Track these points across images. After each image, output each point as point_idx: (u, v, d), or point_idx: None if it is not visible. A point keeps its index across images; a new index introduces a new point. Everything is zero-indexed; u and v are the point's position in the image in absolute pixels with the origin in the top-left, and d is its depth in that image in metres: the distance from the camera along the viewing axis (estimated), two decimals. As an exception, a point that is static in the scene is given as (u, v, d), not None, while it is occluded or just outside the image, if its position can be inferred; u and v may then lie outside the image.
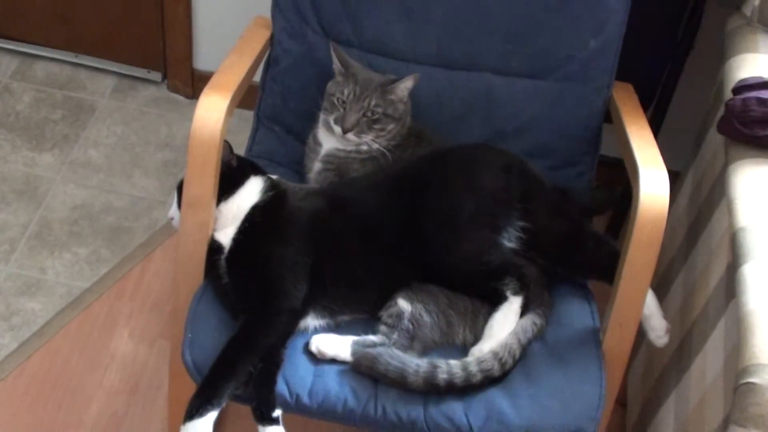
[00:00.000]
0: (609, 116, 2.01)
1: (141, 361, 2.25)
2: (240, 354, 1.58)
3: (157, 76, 3.00)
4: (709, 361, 1.62)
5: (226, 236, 1.71)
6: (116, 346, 2.28)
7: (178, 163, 2.75)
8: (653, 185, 1.64)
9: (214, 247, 1.70)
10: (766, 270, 1.45)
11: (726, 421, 1.37)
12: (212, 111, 1.67)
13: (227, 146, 1.71)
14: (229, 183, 1.72)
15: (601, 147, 2.07)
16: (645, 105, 2.03)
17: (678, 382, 1.78)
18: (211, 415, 1.53)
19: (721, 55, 1.98)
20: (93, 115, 2.88)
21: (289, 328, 1.64)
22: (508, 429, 1.56)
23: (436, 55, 2.02)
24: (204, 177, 1.65)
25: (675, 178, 2.04)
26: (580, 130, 2.03)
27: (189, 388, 1.58)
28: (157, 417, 2.14)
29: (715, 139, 1.91)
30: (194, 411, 1.52)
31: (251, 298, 1.65)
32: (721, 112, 1.80)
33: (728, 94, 1.80)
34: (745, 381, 1.31)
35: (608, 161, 2.15)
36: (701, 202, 1.93)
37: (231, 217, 1.72)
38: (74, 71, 3.01)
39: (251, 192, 1.75)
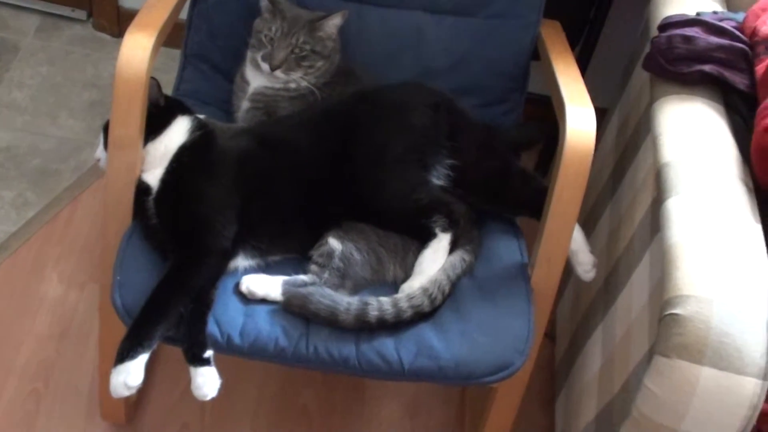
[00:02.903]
0: (537, 54, 2.02)
1: (71, 306, 2.22)
2: (170, 295, 1.57)
3: (81, 14, 2.93)
4: (634, 294, 1.65)
5: (154, 177, 1.69)
6: (45, 291, 2.25)
7: (105, 103, 2.70)
8: (580, 122, 1.65)
9: (142, 188, 1.68)
10: (690, 204, 1.48)
11: (651, 352, 1.39)
12: (137, 49, 1.63)
13: (155, 85, 1.68)
14: (156, 123, 1.70)
15: (529, 84, 2.08)
16: (573, 43, 2.03)
17: (605, 315, 1.81)
18: (142, 358, 1.52)
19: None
20: (17, 55, 2.81)
21: (218, 268, 1.63)
22: (438, 363, 1.58)
23: (365, -8, 2.00)
24: (130, 117, 1.63)
25: (602, 115, 2.06)
26: (509, 68, 2.04)
27: (120, 331, 1.57)
28: (89, 361, 2.12)
29: (641, 76, 1.92)
30: (125, 354, 1.51)
31: (180, 239, 1.63)
32: (647, 49, 1.82)
33: (654, 32, 1.82)
34: (668, 312, 1.34)
35: (536, 98, 2.16)
36: (627, 139, 1.95)
37: (159, 157, 1.70)
38: (-4, 10, 2.94)
39: (179, 132, 1.72)
